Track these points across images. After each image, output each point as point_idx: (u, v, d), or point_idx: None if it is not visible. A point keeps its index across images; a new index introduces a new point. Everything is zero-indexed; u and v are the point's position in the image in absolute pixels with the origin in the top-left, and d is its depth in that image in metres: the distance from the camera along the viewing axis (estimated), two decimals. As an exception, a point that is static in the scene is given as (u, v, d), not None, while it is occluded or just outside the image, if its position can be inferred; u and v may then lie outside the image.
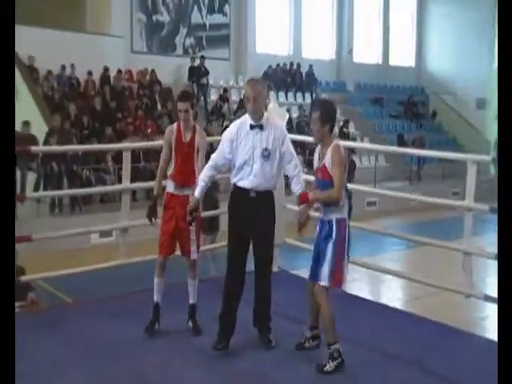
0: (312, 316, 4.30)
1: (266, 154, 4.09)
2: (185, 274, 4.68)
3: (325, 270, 3.97)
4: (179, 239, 4.57)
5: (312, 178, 4.42)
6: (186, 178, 4.50)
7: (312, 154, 4.54)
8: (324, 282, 3.99)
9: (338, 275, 3.99)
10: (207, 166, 4.23)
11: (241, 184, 4.14)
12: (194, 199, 4.24)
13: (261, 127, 4.11)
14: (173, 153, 4.55)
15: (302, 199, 4.09)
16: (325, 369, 3.95)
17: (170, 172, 4.59)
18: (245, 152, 4.10)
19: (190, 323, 4.63)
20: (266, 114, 4.19)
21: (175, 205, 4.52)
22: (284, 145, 4.16)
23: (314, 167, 4.19)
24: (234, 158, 4.14)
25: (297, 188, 4.18)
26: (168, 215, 4.56)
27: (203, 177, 4.22)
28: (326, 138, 4.08)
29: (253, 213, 4.14)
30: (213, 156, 4.22)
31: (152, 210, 4.62)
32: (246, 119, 4.16)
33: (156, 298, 4.61)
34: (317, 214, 4.25)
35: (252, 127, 4.11)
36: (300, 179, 4.21)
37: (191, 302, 4.64)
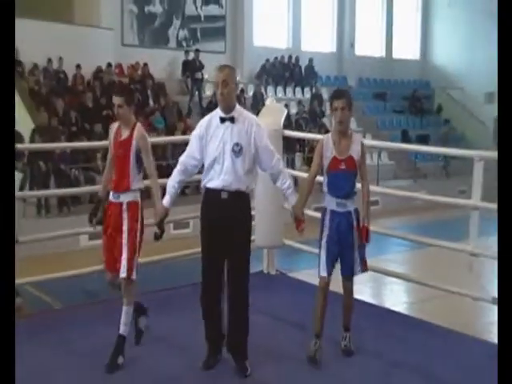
0: (320, 323, 4.26)
1: (237, 150, 3.90)
2: (175, 277, 4.58)
3: (357, 259, 4.25)
4: (113, 253, 4.20)
5: (304, 174, 4.42)
6: (119, 182, 4.21)
7: (312, 151, 4.55)
8: (358, 271, 4.27)
9: (365, 258, 4.30)
10: (176, 170, 4.08)
11: (211, 185, 3.96)
12: (162, 208, 4.03)
13: (232, 120, 3.93)
14: None
15: (366, 233, 4.20)
16: (353, 349, 4.36)
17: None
18: (214, 148, 3.92)
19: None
20: (238, 106, 4.02)
21: (111, 213, 4.25)
22: (261, 140, 3.97)
23: (328, 159, 4.20)
24: (204, 156, 3.97)
25: (286, 184, 4.06)
26: (105, 225, 4.32)
27: (172, 183, 4.05)
28: (348, 128, 4.26)
29: (225, 216, 3.92)
30: (181, 159, 4.07)
31: (93, 212, 4.40)
32: (217, 113, 4.00)
33: (121, 329, 4.19)
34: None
35: (222, 120, 3.94)
36: (286, 174, 4.10)
37: (121, 331, 4.19)
